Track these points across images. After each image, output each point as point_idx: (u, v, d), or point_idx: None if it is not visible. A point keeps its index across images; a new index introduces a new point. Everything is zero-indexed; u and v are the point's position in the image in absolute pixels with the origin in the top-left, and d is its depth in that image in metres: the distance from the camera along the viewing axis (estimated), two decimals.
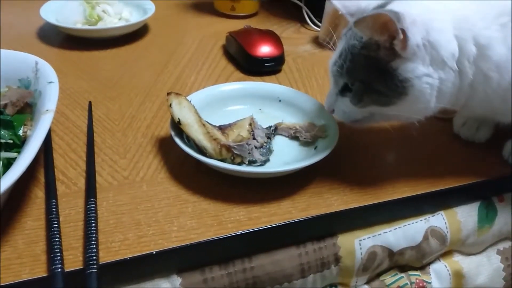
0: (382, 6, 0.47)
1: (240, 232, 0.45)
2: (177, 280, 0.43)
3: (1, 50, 0.57)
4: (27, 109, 0.51)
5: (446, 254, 0.55)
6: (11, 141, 0.46)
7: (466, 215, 0.54)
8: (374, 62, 0.46)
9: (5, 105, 0.50)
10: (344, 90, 0.49)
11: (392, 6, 0.46)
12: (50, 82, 0.51)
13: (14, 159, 0.44)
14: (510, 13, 0.45)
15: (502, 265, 0.57)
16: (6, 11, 0.92)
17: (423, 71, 0.45)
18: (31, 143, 0.43)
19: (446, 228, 0.53)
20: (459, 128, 0.59)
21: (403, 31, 0.42)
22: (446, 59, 0.45)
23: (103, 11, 0.84)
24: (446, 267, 0.55)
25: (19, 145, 0.46)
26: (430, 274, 0.54)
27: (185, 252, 0.43)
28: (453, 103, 0.49)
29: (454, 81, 0.46)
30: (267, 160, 0.53)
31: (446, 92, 0.46)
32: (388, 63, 0.45)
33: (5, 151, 0.45)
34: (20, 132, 0.48)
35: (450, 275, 0.55)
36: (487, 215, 0.55)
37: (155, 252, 0.42)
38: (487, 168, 0.55)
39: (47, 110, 0.47)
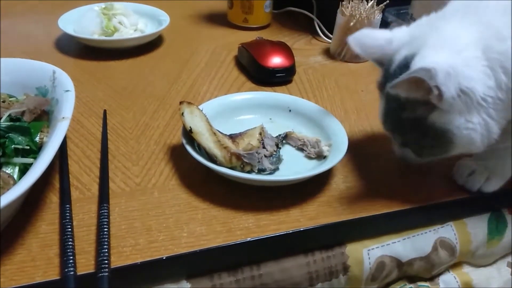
0: (410, 57, 0.45)
1: (248, 239, 0.45)
2: (186, 285, 0.44)
3: (20, 59, 0.58)
4: (44, 116, 0.53)
5: (456, 265, 0.55)
6: (28, 147, 0.47)
7: (475, 227, 0.54)
8: (416, 121, 0.46)
9: (23, 112, 0.51)
10: (404, 145, 0.51)
11: (421, 57, 0.44)
12: (67, 91, 0.52)
13: (30, 164, 0.45)
14: None
15: None
16: (25, 21, 0.95)
17: (460, 121, 0.44)
18: (47, 150, 0.44)
19: (456, 239, 0.52)
20: None
21: (438, 87, 0.41)
22: (483, 101, 0.43)
23: (119, 22, 0.85)
24: (455, 278, 0.54)
25: (35, 151, 0.47)
26: (440, 285, 0.54)
27: (195, 258, 0.44)
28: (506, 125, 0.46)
29: (497, 114, 0.44)
30: (277, 169, 0.53)
31: (493, 126, 0.44)
32: (427, 118, 0.45)
33: (22, 157, 0.47)
34: (37, 139, 0.49)
35: (459, 286, 0.54)
36: (497, 227, 0.55)
37: (165, 257, 0.43)
38: None
39: (63, 118, 0.48)
